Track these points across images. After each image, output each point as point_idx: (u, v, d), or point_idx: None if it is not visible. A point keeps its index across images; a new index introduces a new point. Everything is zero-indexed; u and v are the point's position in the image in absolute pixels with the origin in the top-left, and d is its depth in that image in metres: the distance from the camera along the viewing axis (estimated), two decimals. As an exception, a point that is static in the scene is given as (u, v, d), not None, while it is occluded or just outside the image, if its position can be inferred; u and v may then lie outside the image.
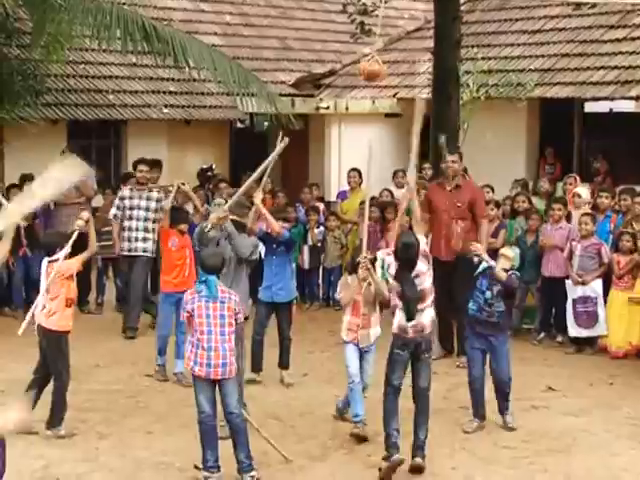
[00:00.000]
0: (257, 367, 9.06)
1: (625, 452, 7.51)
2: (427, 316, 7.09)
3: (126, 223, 10.89)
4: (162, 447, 7.47)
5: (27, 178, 11.91)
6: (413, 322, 6.96)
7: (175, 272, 9.41)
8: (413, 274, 6.98)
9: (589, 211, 10.79)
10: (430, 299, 7.12)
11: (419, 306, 7.01)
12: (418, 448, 7.05)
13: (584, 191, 11.42)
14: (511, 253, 7.94)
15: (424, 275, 7.06)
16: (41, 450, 7.37)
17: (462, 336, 9.26)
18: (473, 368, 7.94)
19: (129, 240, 10.88)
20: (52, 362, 7.75)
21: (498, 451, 7.52)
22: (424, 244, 7.26)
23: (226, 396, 6.73)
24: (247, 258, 7.91)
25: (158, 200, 10.85)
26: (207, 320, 6.71)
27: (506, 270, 7.80)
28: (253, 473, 6.74)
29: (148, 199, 10.92)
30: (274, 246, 9.02)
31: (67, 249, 7.79)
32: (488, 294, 7.81)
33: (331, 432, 7.83)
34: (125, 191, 11.01)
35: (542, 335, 10.84)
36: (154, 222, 10.85)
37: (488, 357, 7.96)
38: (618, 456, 7.42)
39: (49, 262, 7.72)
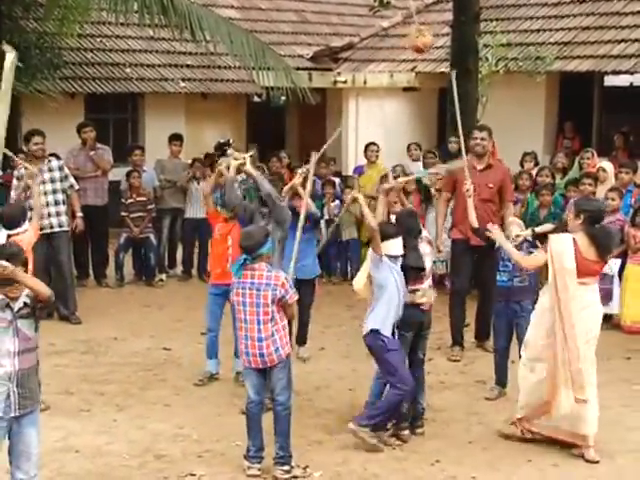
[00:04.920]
0: None
1: (642, 427, 7.51)
2: (431, 295, 7.27)
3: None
4: (180, 420, 7.52)
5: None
6: (421, 300, 7.13)
7: (216, 262, 8.47)
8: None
9: (616, 186, 10.69)
10: (430, 280, 7.31)
11: (423, 285, 7.17)
12: (419, 419, 7.29)
13: (609, 165, 11.31)
14: (518, 221, 8.02)
15: (427, 256, 7.29)
16: (60, 421, 7.43)
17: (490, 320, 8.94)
18: (499, 339, 8.05)
19: (40, 218, 9.27)
20: None
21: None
22: (426, 232, 7.54)
23: (271, 382, 6.56)
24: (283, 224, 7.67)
25: (60, 168, 10.25)
26: (244, 308, 6.46)
27: (518, 236, 7.66)
28: (286, 467, 6.48)
29: (50, 170, 10.09)
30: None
31: (29, 223, 7.71)
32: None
33: (348, 406, 7.84)
34: (21, 170, 9.62)
35: (558, 309, 10.76)
36: (63, 192, 10.25)
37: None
38: (634, 430, 7.42)
39: (9, 236, 7.43)
